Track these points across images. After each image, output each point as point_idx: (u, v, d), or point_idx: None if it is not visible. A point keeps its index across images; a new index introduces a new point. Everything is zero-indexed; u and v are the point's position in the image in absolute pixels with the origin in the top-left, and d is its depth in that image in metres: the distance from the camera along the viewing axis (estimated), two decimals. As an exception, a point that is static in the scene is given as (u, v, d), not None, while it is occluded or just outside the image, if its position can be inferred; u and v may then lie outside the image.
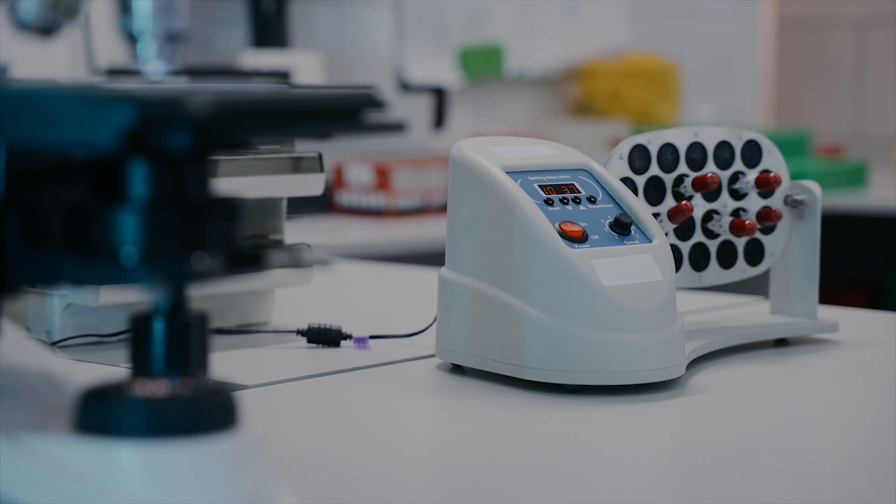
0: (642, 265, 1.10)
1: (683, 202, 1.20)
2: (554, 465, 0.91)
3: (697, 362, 1.18)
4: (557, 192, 1.13)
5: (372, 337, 1.27)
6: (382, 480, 0.88)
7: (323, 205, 2.89)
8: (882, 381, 1.19)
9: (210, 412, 0.64)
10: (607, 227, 1.12)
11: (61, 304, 1.24)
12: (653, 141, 1.22)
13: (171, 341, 0.70)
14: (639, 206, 1.14)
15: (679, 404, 1.07)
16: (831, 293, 3.75)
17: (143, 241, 0.62)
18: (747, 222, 1.23)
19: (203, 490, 0.61)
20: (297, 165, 1.33)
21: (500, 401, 1.08)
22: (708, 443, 0.99)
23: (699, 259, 1.25)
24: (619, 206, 1.15)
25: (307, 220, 2.83)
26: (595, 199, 1.14)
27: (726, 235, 1.25)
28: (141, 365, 0.71)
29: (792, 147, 3.67)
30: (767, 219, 1.24)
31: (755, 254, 1.27)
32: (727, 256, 1.26)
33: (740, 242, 1.26)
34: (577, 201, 1.13)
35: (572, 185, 1.15)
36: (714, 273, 1.25)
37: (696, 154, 1.24)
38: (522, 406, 1.06)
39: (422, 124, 3.18)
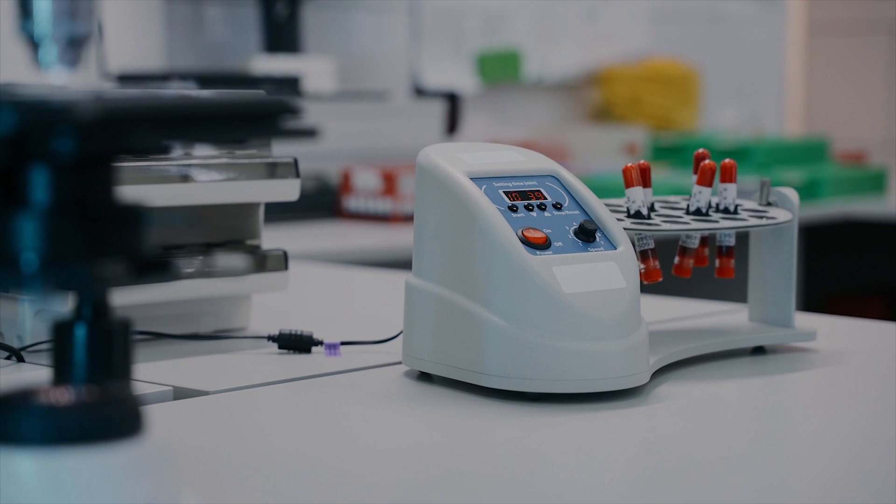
0: (605, 272, 1.09)
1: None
2: (504, 475, 0.91)
3: (668, 370, 1.17)
4: (523, 198, 1.12)
5: (343, 343, 1.26)
6: (322, 487, 0.88)
7: (330, 210, 2.89)
8: (857, 391, 1.18)
9: (112, 420, 0.63)
10: (571, 234, 1.11)
11: (32, 310, 1.24)
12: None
13: (91, 348, 0.70)
14: (605, 213, 1.13)
15: (640, 412, 1.06)
16: (849, 301, 3.73)
17: (42, 247, 0.61)
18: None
19: (98, 497, 0.61)
20: (273, 171, 1.32)
21: (460, 408, 1.07)
22: (666, 450, 0.98)
23: None
24: (586, 212, 1.14)
25: (314, 225, 2.83)
26: (561, 206, 1.13)
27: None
28: (59, 372, 0.71)
29: (810, 153, 3.65)
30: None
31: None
32: None
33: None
34: (542, 208, 1.12)
35: (538, 191, 1.14)
36: None
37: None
38: (481, 414, 1.05)
39: (434, 129, 3.18)
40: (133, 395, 0.65)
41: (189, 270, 1.16)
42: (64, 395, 0.64)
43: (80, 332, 0.70)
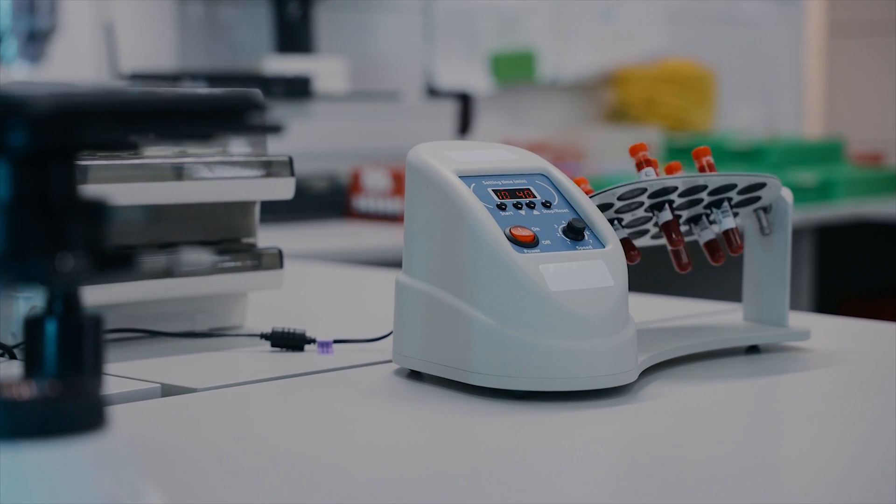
0: (593, 270, 1.09)
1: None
2: (490, 473, 0.90)
3: (659, 370, 1.17)
4: (512, 196, 1.12)
5: (336, 341, 1.26)
6: (309, 483, 0.88)
7: (340, 210, 2.89)
8: (850, 390, 1.17)
9: (74, 414, 0.63)
10: (560, 233, 1.11)
11: (26, 307, 1.24)
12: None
13: (59, 343, 0.70)
14: (594, 212, 1.13)
15: (628, 411, 1.06)
16: (863, 303, 3.71)
17: (2, 242, 0.61)
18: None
19: (59, 492, 0.61)
20: (268, 169, 1.33)
21: (448, 407, 1.07)
22: (653, 449, 0.98)
23: None
24: (575, 211, 1.13)
25: (324, 224, 2.84)
26: (550, 205, 1.13)
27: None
28: (28, 366, 0.71)
29: (825, 154, 3.63)
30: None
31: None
32: None
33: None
34: (531, 206, 1.12)
35: (528, 189, 1.14)
36: None
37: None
38: (468, 412, 1.05)
39: (446, 130, 3.18)
40: (96, 389, 0.65)
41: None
42: (26, 390, 0.64)
43: (50, 328, 0.70)
